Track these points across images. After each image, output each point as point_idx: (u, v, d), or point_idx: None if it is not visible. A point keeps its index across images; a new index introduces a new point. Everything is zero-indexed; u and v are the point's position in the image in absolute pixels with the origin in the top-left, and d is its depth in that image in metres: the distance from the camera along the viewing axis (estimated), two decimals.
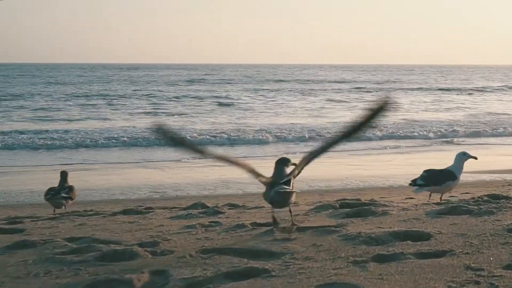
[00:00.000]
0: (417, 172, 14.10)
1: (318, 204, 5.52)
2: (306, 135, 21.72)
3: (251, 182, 11.36)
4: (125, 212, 5.90)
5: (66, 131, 22.26)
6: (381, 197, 8.73)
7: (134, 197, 10.38)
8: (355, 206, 5.28)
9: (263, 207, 5.53)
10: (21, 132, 21.97)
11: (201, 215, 5.30)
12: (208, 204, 6.10)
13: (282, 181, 4.30)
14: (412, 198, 8.29)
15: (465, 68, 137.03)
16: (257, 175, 4.40)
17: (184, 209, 5.94)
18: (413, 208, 5.06)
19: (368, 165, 14.95)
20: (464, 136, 22.41)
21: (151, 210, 5.90)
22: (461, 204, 4.98)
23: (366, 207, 5.02)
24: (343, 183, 11.71)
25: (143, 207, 6.44)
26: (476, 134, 22.77)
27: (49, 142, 19.40)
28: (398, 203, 5.72)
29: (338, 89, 54.63)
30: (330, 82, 64.69)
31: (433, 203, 5.50)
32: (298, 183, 11.65)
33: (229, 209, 5.72)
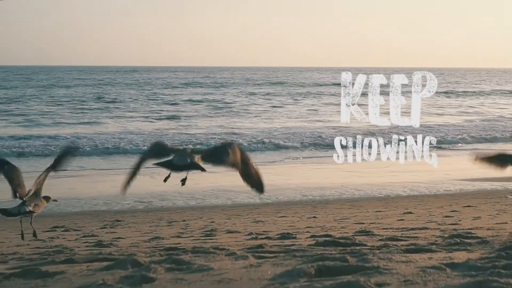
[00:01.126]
0: (415, 179, 13.80)
1: (287, 268, 3.58)
2: (304, 139, 21.29)
3: (241, 190, 10.90)
4: (24, 273, 3.81)
5: (56, 136, 21.80)
6: (377, 211, 8.30)
7: (116, 208, 9.86)
8: (337, 272, 3.59)
9: (212, 268, 3.63)
10: (10, 137, 21.48)
11: (119, 285, 3.39)
12: (142, 260, 3.99)
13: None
14: (410, 213, 7.80)
15: (462, 71, 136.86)
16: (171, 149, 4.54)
17: (107, 268, 3.86)
18: (419, 281, 3.37)
19: (365, 171, 14.51)
20: (462, 141, 21.99)
21: (59, 272, 3.75)
22: (490, 278, 3.25)
23: (352, 280, 3.26)
24: (338, 192, 11.25)
25: (58, 260, 4.37)
26: (476, 140, 22.36)
27: (37, 148, 18.91)
28: (397, 261, 3.46)
29: (336, 92, 54.24)
30: (327, 85, 64.31)
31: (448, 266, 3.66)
32: (291, 191, 11.35)
33: (166, 270, 3.66)
